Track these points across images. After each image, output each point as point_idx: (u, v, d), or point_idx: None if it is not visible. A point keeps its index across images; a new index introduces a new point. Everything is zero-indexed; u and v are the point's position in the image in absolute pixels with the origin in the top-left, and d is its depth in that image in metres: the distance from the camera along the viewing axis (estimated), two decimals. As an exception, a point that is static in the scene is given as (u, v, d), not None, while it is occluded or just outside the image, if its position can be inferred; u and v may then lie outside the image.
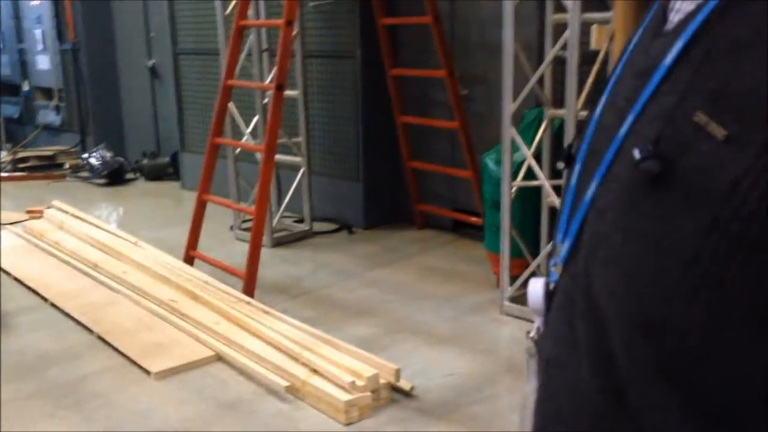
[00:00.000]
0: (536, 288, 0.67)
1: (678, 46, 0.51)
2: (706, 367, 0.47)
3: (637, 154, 0.49)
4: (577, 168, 0.62)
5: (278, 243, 4.78)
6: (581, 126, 0.65)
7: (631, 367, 0.51)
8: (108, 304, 3.72)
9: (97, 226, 4.76)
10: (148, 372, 3.06)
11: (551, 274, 0.64)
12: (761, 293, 0.44)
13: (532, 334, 0.69)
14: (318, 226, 4.99)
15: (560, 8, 3.39)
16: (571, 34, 3.14)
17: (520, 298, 3.52)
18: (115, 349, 3.27)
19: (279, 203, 5.00)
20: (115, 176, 6.77)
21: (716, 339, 0.46)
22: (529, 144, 3.61)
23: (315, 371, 2.86)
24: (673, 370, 0.48)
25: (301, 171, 4.87)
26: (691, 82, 0.49)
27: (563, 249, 0.61)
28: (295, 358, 2.95)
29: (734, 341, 0.45)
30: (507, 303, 3.59)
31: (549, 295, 0.65)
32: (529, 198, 3.63)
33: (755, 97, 0.45)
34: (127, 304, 3.72)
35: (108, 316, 3.59)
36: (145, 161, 6.90)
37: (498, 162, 3.65)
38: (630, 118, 0.54)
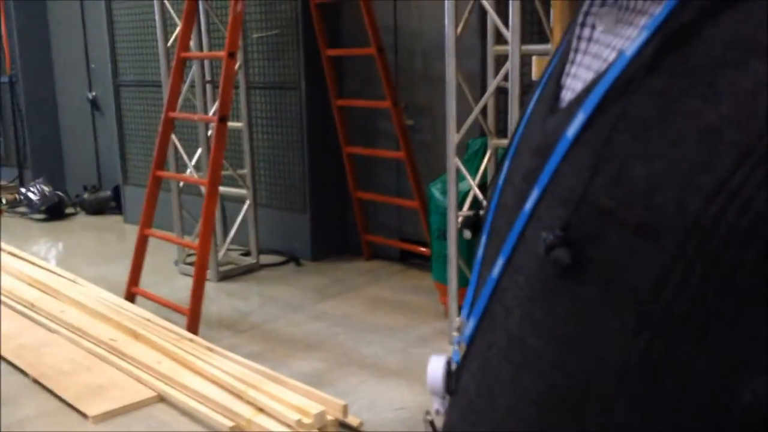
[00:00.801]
0: (436, 367, 0.58)
1: (575, 126, 0.45)
2: None
3: (545, 237, 0.43)
4: (483, 240, 0.57)
5: (224, 277, 4.69)
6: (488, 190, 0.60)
7: None
8: (44, 345, 3.58)
9: (34, 264, 4.60)
10: (85, 415, 2.94)
11: (454, 353, 0.57)
12: (708, 399, 0.38)
13: (429, 417, 0.61)
14: (265, 259, 4.92)
15: (501, 40, 3.44)
16: (511, 66, 3.18)
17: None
18: (52, 393, 3.14)
19: (225, 236, 4.92)
20: (54, 211, 6.58)
21: None
22: (474, 174, 3.63)
23: (260, 409, 2.78)
24: None
25: (247, 203, 4.81)
26: (593, 164, 0.43)
27: (468, 328, 0.54)
28: (239, 397, 2.87)
29: None
30: (455, 334, 3.57)
31: (451, 375, 0.58)
32: (475, 227, 3.65)
33: (666, 181, 0.39)
34: (65, 344, 3.58)
35: (44, 357, 3.45)
36: (86, 195, 6.73)
37: (444, 192, 3.66)
38: (530, 203, 0.48)
